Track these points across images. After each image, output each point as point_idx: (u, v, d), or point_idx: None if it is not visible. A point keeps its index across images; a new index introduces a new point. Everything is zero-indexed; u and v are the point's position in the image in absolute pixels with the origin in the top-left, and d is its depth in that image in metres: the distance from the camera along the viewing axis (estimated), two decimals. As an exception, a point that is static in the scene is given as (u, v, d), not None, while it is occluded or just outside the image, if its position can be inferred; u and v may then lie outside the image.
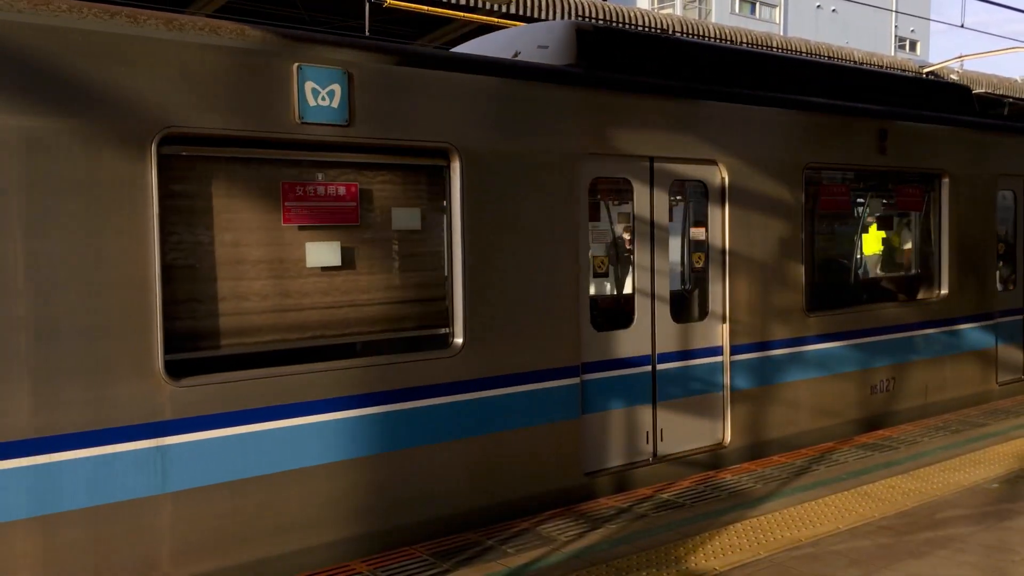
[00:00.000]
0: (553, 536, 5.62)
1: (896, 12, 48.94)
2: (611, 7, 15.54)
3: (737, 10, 50.72)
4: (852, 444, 7.94)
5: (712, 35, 17.49)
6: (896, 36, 57.58)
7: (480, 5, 14.04)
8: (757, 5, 52.20)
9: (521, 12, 14.55)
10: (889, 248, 10.33)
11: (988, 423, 8.71)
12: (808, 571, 5.07)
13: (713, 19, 46.17)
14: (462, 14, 14.16)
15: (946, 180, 9.52)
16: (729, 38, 17.60)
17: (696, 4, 49.51)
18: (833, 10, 53.98)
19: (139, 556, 4.74)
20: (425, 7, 13.75)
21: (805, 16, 52.92)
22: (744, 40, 17.71)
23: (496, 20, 14.45)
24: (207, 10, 13.14)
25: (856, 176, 9.09)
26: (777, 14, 52.63)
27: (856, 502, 6.27)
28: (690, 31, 17.09)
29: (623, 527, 5.80)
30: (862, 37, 50.25)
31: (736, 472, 7.06)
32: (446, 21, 14.79)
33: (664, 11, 35.63)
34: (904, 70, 20.09)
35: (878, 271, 10.37)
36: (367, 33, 13.50)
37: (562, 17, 14.96)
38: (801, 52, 18.65)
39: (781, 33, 44.95)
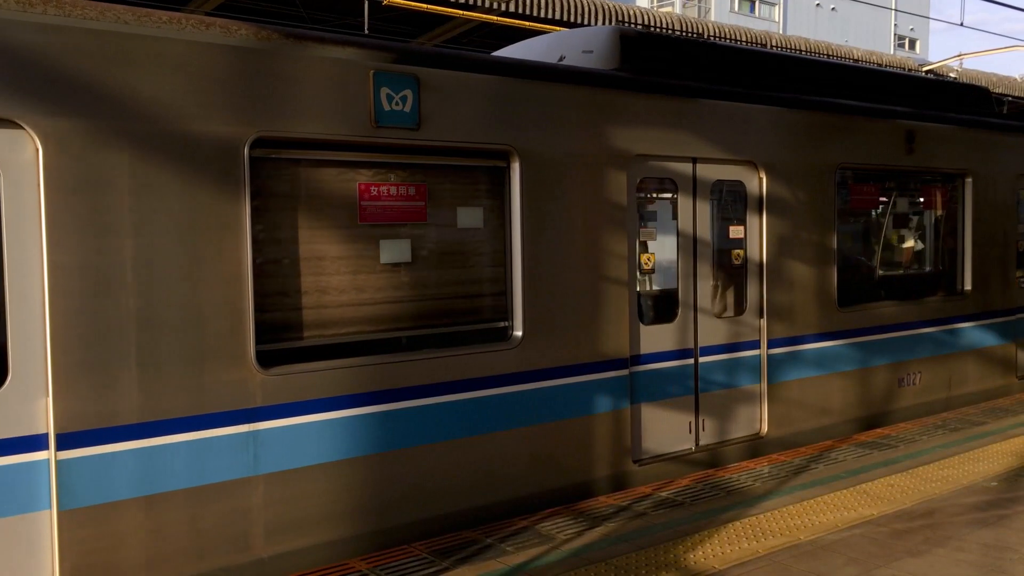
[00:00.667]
0: (552, 534, 5.63)
1: (895, 10, 48.97)
2: (610, 5, 15.53)
3: (736, 8, 50.69)
4: (851, 442, 7.96)
5: (711, 33, 17.48)
6: (895, 34, 57.56)
7: (479, 3, 14.02)
8: (756, 4, 52.17)
9: (520, 11, 14.54)
10: (915, 246, 10.54)
11: (986, 421, 8.72)
12: (807, 569, 5.08)
13: (712, 17, 46.17)
14: (461, 12, 14.14)
15: (969, 180, 9.80)
16: (729, 37, 17.60)
17: (695, 2, 49.49)
18: (832, 8, 53.96)
19: (234, 534, 5.03)
20: (424, 5, 13.74)
21: (804, 14, 52.89)
22: (743, 39, 17.70)
23: (495, 19, 14.45)
24: (205, 8, 13.12)
25: (885, 176, 9.36)
26: (776, 12, 52.59)
27: (855, 500, 6.28)
28: (689, 29, 17.09)
29: (622, 525, 5.80)
30: (861, 35, 50.24)
31: (735, 470, 7.08)
32: (445, 19, 14.78)
33: (663, 9, 35.59)
34: (909, 69, 20.09)
35: (905, 268, 10.63)
36: (366, 31, 13.49)
37: (561, 15, 14.96)
38: (800, 51, 18.64)
39: (780, 32, 44.91)
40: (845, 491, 6.49)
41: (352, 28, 13.81)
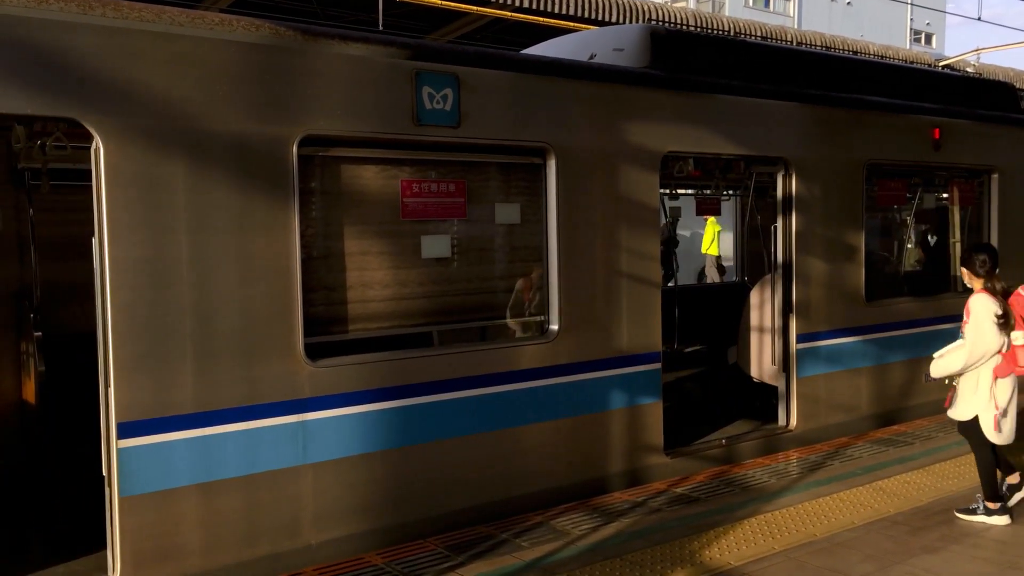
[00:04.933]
0: (567, 530, 5.63)
1: (911, 4, 48.55)
2: (625, 1, 15.49)
3: (751, 3, 50.47)
4: (867, 439, 7.94)
5: (726, 29, 17.41)
6: (911, 29, 57.15)
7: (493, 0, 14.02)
8: (771, -2, 51.89)
9: (533, 6, 14.53)
10: (941, 241, 10.56)
11: (1004, 418, 8.67)
12: (822, 566, 5.07)
13: (727, 13, 45.93)
14: (475, 8, 14.14)
15: (995, 176, 9.83)
16: (744, 32, 17.52)
17: (709, -3, 49.26)
18: (847, 3, 53.64)
19: (284, 521, 5.18)
20: (437, 1, 13.74)
21: (819, 9, 52.58)
22: (759, 34, 17.62)
23: (508, 14, 14.43)
24: (221, 4, 13.16)
25: (912, 172, 9.40)
26: (791, 7, 52.32)
27: (871, 497, 6.26)
28: (704, 25, 17.03)
29: (637, 521, 5.81)
30: (877, 30, 49.90)
31: (750, 467, 7.07)
32: (458, 15, 14.78)
33: (677, 4, 35.45)
34: (929, 65, 19.97)
35: (931, 262, 10.65)
36: (380, 27, 13.50)
37: (575, 11, 14.93)
38: (816, 46, 18.55)
39: (795, 26, 44.61)
40: (861, 488, 6.47)
41: (366, 24, 13.82)
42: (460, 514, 5.81)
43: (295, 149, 5.14)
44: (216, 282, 4.90)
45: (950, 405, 5.97)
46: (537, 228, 6.29)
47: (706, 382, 10.32)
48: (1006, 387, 5.72)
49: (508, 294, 6.32)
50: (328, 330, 5.47)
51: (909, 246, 10.23)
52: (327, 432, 5.29)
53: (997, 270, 5.88)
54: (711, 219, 19.06)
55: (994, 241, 9.83)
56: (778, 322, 7.73)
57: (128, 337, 4.64)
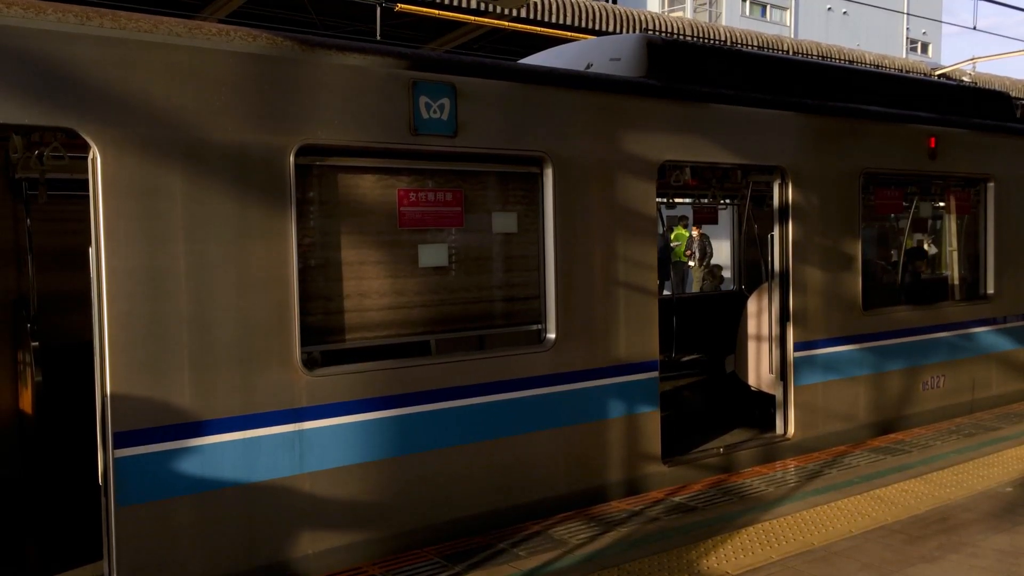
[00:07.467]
0: (565, 539, 5.63)
1: (907, 14, 48.69)
2: (622, 11, 15.56)
3: (748, 13, 50.64)
4: (864, 447, 7.94)
5: (723, 38, 17.47)
6: (908, 38, 57.34)
7: (491, 9, 14.07)
8: (767, 8, 52.11)
9: (533, 16, 14.58)
10: (938, 249, 10.56)
11: (1001, 427, 8.68)
12: (820, 575, 5.06)
13: (724, 22, 46.11)
14: (472, 18, 14.19)
15: (991, 184, 9.84)
16: (741, 41, 17.58)
17: (707, 7, 49.46)
18: (844, 12, 53.86)
19: (282, 531, 5.15)
20: (435, 11, 13.79)
21: (815, 18, 52.78)
22: (756, 43, 17.68)
23: (506, 24, 14.49)
24: (220, 15, 13.20)
25: (908, 181, 9.43)
26: (787, 16, 52.52)
27: (869, 506, 6.26)
28: (700, 35, 17.09)
29: (635, 530, 5.80)
30: (873, 39, 50.07)
31: (748, 476, 7.07)
32: (457, 25, 14.83)
33: (675, 14, 35.57)
34: (926, 75, 20.05)
35: (928, 271, 10.69)
36: (378, 37, 13.54)
37: (573, 21, 14.99)
38: (812, 55, 18.62)
39: (791, 36, 44.74)
40: (859, 497, 6.47)
41: (364, 34, 13.86)
42: (458, 523, 5.81)
43: (292, 159, 5.14)
44: (213, 291, 4.89)
45: None
46: (534, 237, 6.30)
47: (704, 391, 10.33)
48: None
49: (505, 303, 6.30)
50: (325, 339, 5.47)
51: (906, 254, 10.26)
52: (324, 442, 5.28)
53: None
54: (679, 227, 19.20)
55: (991, 250, 9.85)
56: (775, 331, 7.74)
57: (125, 346, 4.63)
